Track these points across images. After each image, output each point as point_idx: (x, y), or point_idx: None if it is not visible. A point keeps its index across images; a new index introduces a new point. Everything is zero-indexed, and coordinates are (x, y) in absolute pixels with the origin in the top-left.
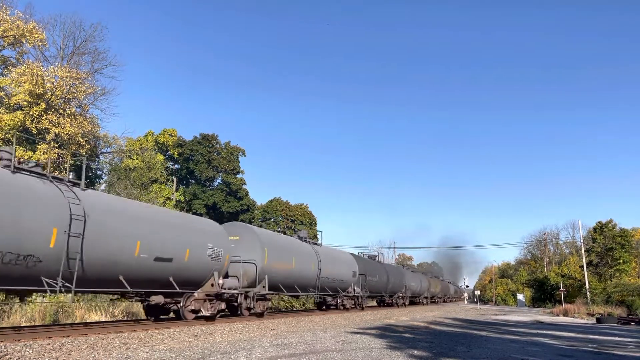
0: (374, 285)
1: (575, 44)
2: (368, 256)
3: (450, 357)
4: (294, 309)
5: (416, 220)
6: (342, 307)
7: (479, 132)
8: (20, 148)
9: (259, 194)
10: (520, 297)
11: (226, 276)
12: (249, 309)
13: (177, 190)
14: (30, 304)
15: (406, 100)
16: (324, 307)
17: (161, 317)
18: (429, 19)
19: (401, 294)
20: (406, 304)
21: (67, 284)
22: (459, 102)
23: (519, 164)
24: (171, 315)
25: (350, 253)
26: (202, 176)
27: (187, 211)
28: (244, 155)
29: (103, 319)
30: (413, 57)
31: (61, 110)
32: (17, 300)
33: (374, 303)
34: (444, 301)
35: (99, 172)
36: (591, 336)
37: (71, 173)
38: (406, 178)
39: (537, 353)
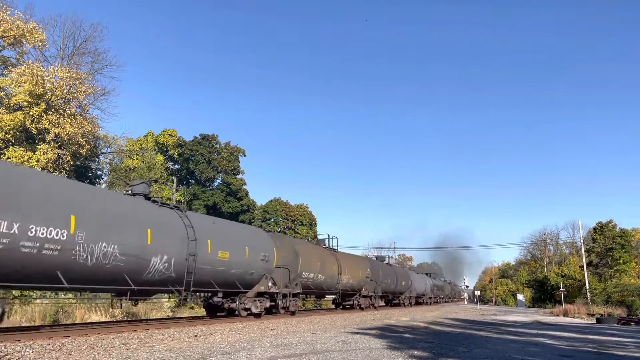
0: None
1: (576, 42)
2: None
3: (450, 357)
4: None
5: (415, 219)
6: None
7: (478, 131)
8: (20, 148)
9: (259, 194)
10: (520, 297)
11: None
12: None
13: (177, 190)
14: (30, 304)
15: (406, 100)
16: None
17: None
18: (428, 19)
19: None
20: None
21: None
22: (458, 101)
23: (519, 163)
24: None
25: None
26: (202, 176)
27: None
28: (244, 156)
29: (103, 319)
30: (412, 57)
31: (61, 111)
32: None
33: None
34: (446, 301)
35: (99, 173)
36: (591, 336)
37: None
38: (406, 178)
39: (537, 353)
